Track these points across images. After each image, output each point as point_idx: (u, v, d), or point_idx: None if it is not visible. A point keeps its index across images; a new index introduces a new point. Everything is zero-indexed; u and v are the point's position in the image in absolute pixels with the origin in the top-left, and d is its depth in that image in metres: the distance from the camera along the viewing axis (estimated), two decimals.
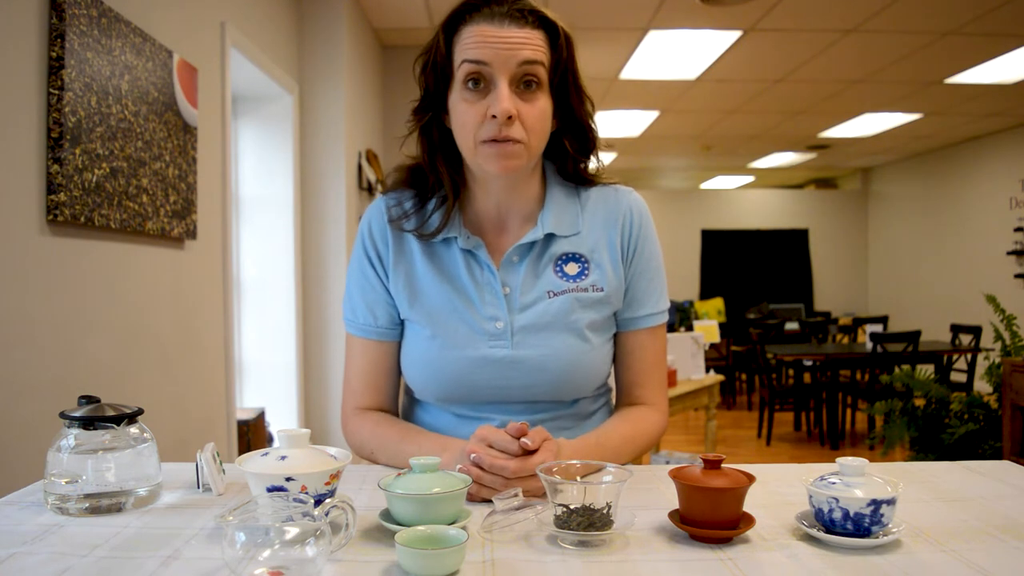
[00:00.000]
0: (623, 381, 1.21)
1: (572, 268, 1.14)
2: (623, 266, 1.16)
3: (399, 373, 1.22)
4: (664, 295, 1.20)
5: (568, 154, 1.15)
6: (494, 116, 1.01)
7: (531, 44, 1.03)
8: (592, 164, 1.19)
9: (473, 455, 0.95)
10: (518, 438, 0.96)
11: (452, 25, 1.06)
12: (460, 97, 1.05)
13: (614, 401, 1.27)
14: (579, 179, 1.19)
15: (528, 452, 0.96)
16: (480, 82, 1.03)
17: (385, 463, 1.15)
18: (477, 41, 1.02)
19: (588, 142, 1.16)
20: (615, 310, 1.17)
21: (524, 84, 1.04)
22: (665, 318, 1.20)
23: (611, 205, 1.18)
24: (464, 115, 1.05)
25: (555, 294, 1.12)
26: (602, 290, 1.14)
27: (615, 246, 1.16)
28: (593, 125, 1.15)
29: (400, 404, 1.28)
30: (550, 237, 1.14)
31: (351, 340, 1.21)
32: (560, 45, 1.07)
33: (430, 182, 1.15)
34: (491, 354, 1.11)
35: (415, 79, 1.12)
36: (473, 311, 1.12)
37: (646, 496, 1.00)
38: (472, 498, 0.95)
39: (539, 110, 1.05)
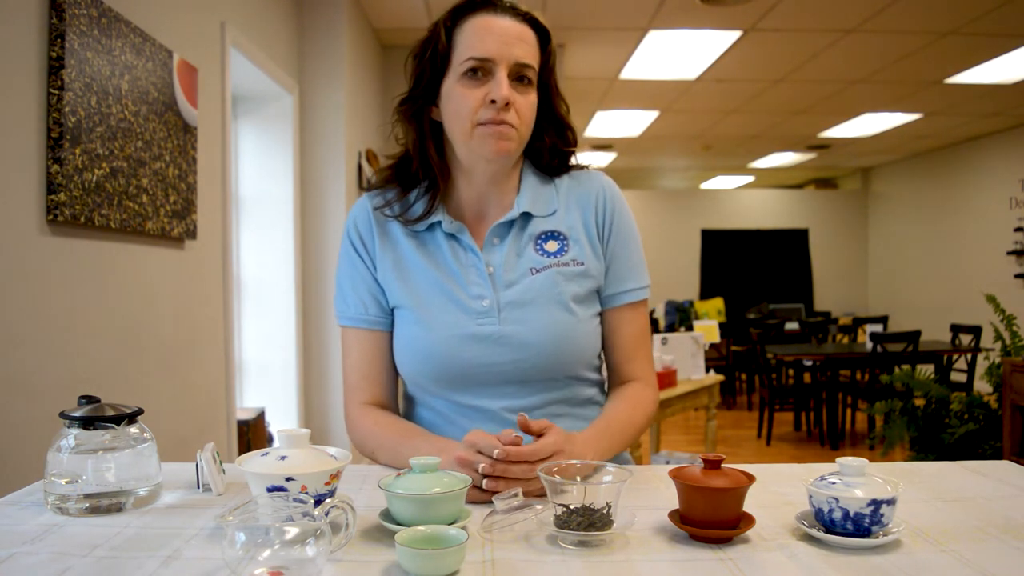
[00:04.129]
0: (613, 360, 1.24)
1: (552, 245, 1.18)
2: (600, 245, 1.21)
3: (394, 366, 1.23)
4: (643, 270, 1.24)
5: (545, 149, 1.22)
6: (493, 101, 1.08)
7: (526, 43, 1.12)
8: (572, 162, 1.26)
9: (496, 451, 0.94)
10: (515, 445, 0.97)
11: (454, 19, 1.13)
12: (458, 84, 1.11)
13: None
14: (552, 170, 1.25)
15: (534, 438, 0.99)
16: (480, 71, 1.10)
17: (385, 463, 1.15)
18: (481, 34, 1.10)
19: (566, 138, 1.23)
20: (597, 286, 1.20)
21: (518, 79, 1.12)
22: (647, 294, 1.24)
23: (583, 187, 1.23)
24: (462, 99, 1.10)
25: (537, 270, 1.16)
26: (582, 264, 1.18)
27: (591, 226, 1.21)
28: (570, 123, 1.23)
29: (400, 407, 1.28)
30: (527, 217, 1.19)
31: (345, 333, 1.24)
32: (549, 49, 1.16)
33: (413, 170, 1.19)
34: (479, 331, 1.13)
35: (405, 70, 1.18)
36: (460, 291, 1.15)
37: (646, 496, 1.00)
38: (472, 499, 0.95)
39: (530, 102, 1.14)
